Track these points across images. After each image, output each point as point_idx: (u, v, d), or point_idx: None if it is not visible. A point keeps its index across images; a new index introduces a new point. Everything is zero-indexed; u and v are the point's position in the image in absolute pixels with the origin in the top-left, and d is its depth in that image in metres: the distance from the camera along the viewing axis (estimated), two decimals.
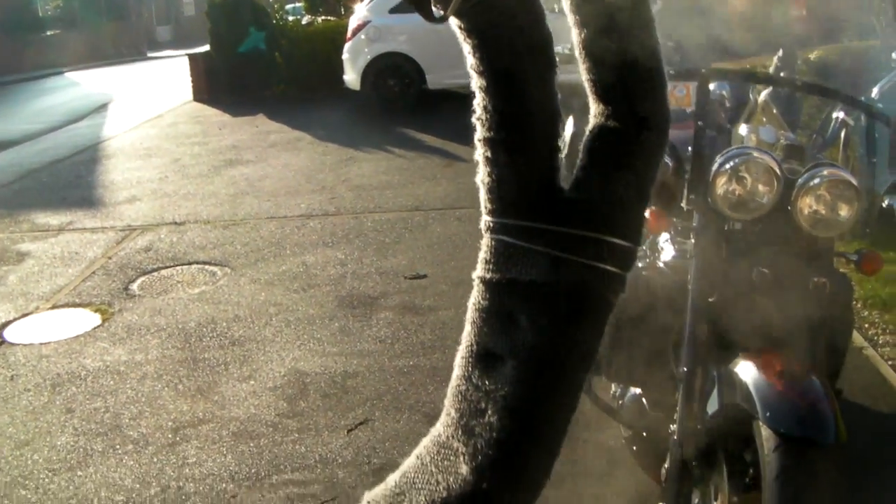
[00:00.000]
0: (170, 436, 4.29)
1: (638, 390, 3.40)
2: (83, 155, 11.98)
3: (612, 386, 3.68)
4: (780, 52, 3.71)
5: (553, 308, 1.42)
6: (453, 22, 1.24)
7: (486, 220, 1.51)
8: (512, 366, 1.44)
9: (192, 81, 16.80)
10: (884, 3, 3.41)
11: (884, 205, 2.82)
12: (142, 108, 16.67)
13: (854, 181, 2.72)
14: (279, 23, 17.02)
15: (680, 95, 3.46)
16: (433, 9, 1.11)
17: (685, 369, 2.78)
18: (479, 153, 1.45)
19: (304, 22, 18.15)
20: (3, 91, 24.37)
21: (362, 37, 13.21)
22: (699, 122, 2.92)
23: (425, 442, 1.65)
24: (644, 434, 3.34)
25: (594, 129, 1.42)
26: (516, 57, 1.36)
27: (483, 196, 1.49)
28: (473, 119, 1.40)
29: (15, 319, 5.96)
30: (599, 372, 3.48)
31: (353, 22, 13.68)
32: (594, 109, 1.43)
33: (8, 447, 4.26)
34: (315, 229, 7.58)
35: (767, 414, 2.42)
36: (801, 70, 3.69)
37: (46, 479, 3.98)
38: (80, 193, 9.61)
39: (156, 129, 13.59)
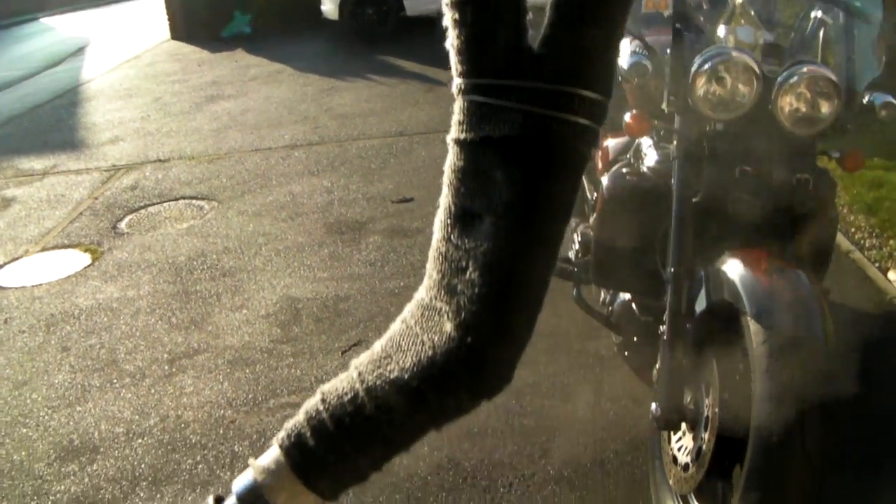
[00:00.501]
0: (166, 367, 4.32)
1: (627, 296, 3.42)
2: (63, 99, 11.87)
3: (602, 293, 3.71)
4: None
5: (527, 162, 1.44)
6: None
7: (457, 82, 1.52)
8: (490, 222, 1.46)
9: (169, 20, 16.57)
10: None
11: (864, 101, 2.80)
12: (119, 49, 16.47)
13: (834, 77, 2.72)
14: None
15: None
16: None
17: (672, 270, 2.80)
18: (448, 18, 1.46)
19: None
20: None
21: None
22: (677, 25, 2.91)
23: (409, 307, 1.67)
24: (635, 339, 3.37)
25: None
26: None
27: (453, 59, 1.50)
28: None
29: (5, 264, 5.96)
30: (588, 280, 3.51)
31: None
32: None
33: (6, 388, 4.29)
34: (300, 159, 7.55)
35: (755, 309, 2.44)
36: None
37: (46, 417, 4.01)
38: (62, 137, 9.54)
39: (135, 70, 13.45)
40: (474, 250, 1.48)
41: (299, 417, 1.72)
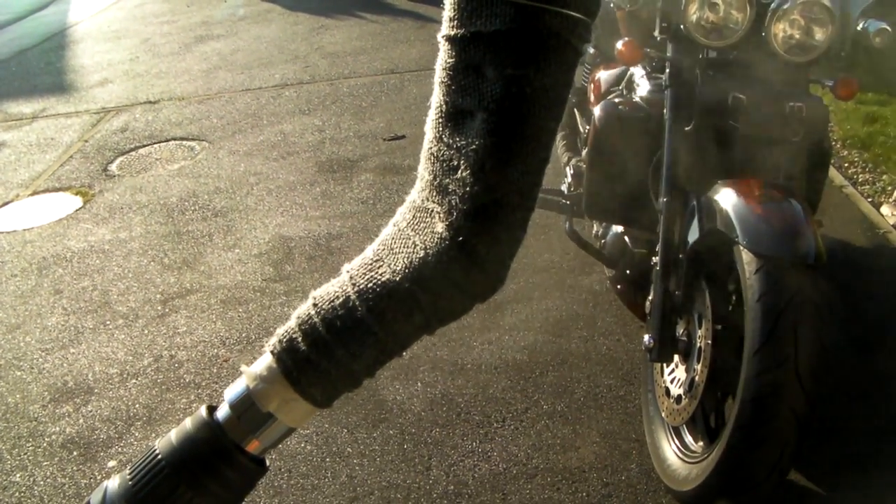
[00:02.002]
0: (159, 308, 4.31)
1: (619, 228, 3.41)
2: (51, 42, 11.74)
3: (594, 226, 3.70)
4: None
5: (518, 56, 1.41)
6: None
7: None
8: (481, 119, 1.44)
9: None
10: None
11: (858, 28, 2.76)
12: None
13: (827, 2, 2.68)
14: None
15: None
16: None
17: (664, 200, 2.79)
18: None
19: None
20: None
21: None
22: None
23: (401, 210, 1.65)
24: (627, 272, 3.36)
25: None
26: None
27: None
28: None
29: None
30: (580, 213, 3.49)
31: None
32: None
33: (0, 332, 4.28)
34: (291, 98, 7.49)
35: (747, 237, 2.43)
36: None
37: (40, 359, 4.01)
38: (51, 80, 9.45)
39: (123, 11, 13.30)
40: (465, 148, 1.46)
41: (291, 323, 1.71)
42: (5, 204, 5.97)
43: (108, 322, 4.24)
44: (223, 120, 7.08)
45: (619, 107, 3.19)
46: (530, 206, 1.57)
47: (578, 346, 3.64)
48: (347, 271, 1.70)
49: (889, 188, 4.76)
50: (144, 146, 6.71)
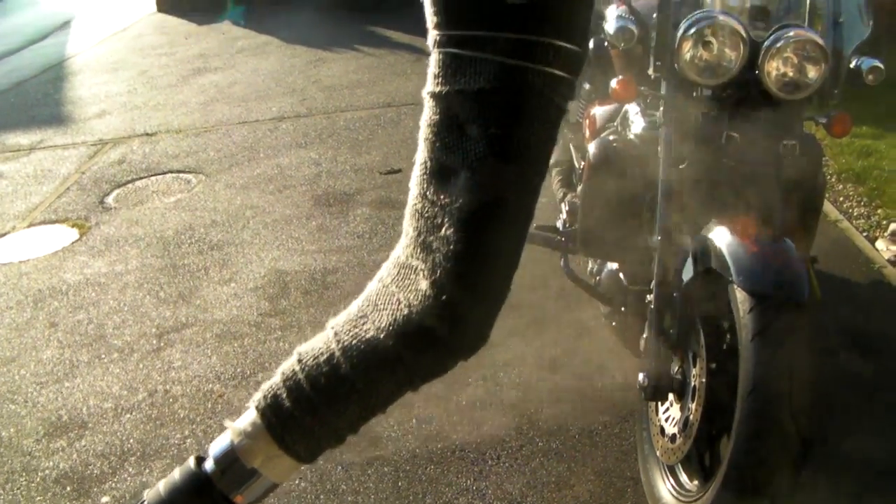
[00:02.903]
0: (154, 342, 4.30)
1: (614, 265, 3.42)
2: (49, 73, 11.78)
3: (589, 262, 3.71)
4: None
5: (502, 115, 1.42)
6: None
7: (432, 35, 1.49)
8: (465, 177, 1.44)
9: None
10: None
11: (851, 65, 2.78)
12: (105, 22, 16.34)
13: (821, 41, 2.70)
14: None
15: None
16: None
17: (659, 238, 2.79)
18: None
19: None
20: None
21: None
22: None
23: (386, 266, 1.66)
24: (622, 309, 3.36)
25: None
26: None
27: (428, 11, 1.48)
28: None
29: None
30: (576, 249, 3.50)
31: None
32: None
33: None
34: (288, 131, 7.51)
35: (741, 276, 2.43)
36: None
37: (35, 393, 4.00)
38: (49, 111, 9.47)
39: (121, 43, 13.36)
40: (450, 206, 1.46)
41: (275, 379, 1.71)
42: (1, 236, 5.98)
43: (103, 356, 4.23)
44: (220, 153, 7.10)
45: (614, 144, 3.21)
46: (514, 263, 1.57)
47: (573, 383, 3.64)
48: (332, 327, 1.71)
49: (884, 222, 4.77)
50: (141, 178, 6.73)
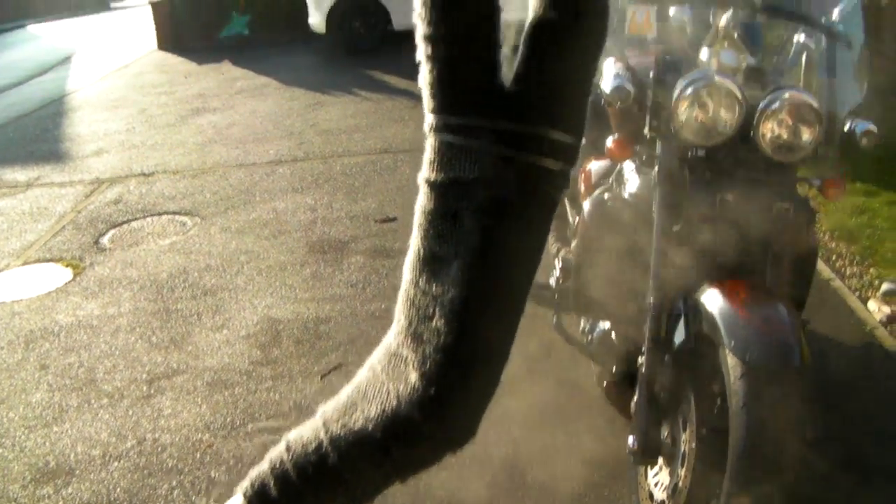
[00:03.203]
0: (144, 388, 4.28)
1: (607, 324, 3.41)
2: (49, 108, 11.84)
3: (582, 321, 3.69)
4: None
5: (496, 206, 1.41)
6: None
7: (429, 120, 1.49)
8: (457, 267, 1.44)
9: (157, 30, 16.58)
10: None
11: (845, 128, 2.79)
12: (107, 59, 16.45)
13: (815, 104, 2.71)
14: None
15: (640, 21, 3.42)
16: None
17: (651, 300, 2.79)
18: (421, 52, 1.43)
19: None
20: None
21: None
22: (660, 48, 2.90)
23: (378, 351, 1.65)
24: (614, 369, 3.35)
25: (533, 22, 1.40)
26: None
27: (425, 96, 1.47)
28: (413, 17, 1.38)
29: None
30: (568, 307, 3.49)
31: None
32: (533, 2, 1.41)
33: None
34: (284, 175, 7.53)
35: (733, 342, 2.43)
36: None
37: (23, 437, 3.97)
38: (47, 147, 9.51)
39: (122, 80, 13.43)
40: (441, 297, 1.46)
41: (263, 466, 1.70)
42: None
43: (92, 401, 4.21)
44: (216, 195, 7.11)
45: (609, 203, 3.21)
46: (504, 358, 1.57)
47: (563, 442, 3.61)
48: (322, 415, 1.69)
49: (876, 282, 4.76)
50: (137, 219, 6.73)
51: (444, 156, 1.44)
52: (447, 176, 1.44)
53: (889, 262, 4.98)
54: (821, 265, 4.91)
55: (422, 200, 1.51)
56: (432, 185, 1.47)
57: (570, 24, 1.36)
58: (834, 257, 5.15)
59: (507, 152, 1.39)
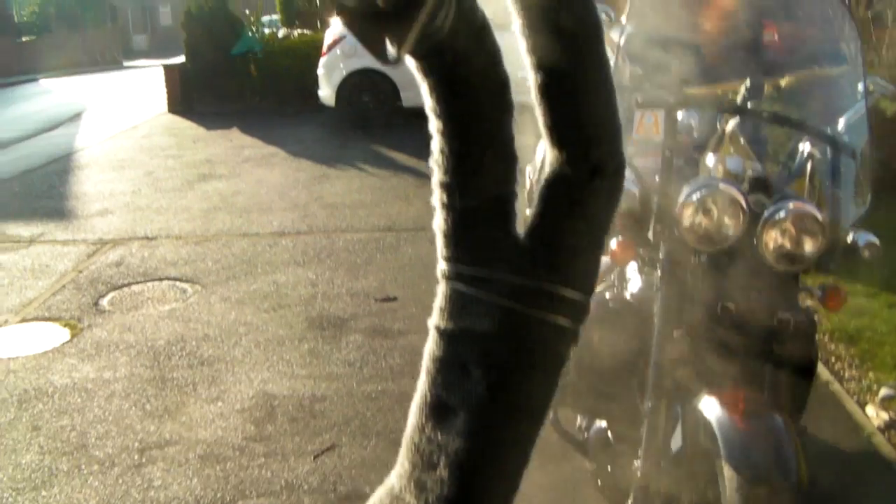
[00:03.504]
0: (136, 457, 4.26)
1: (604, 423, 3.40)
2: (56, 165, 11.92)
3: (578, 418, 3.69)
4: (748, 82, 3.73)
5: (505, 361, 1.42)
6: (409, 62, 1.23)
7: (441, 266, 1.51)
8: (463, 419, 1.44)
9: (168, 93, 16.76)
10: (853, 30, 3.43)
11: (849, 240, 2.82)
12: (116, 118, 16.61)
13: (819, 215, 2.73)
14: (255, 35, 16.98)
15: (648, 124, 3.47)
16: (388, 48, 1.11)
17: (649, 405, 2.80)
18: (436, 198, 1.44)
19: (279, 35, 18.10)
20: None
21: (338, 52, 13.16)
22: (666, 152, 2.94)
23: (380, 492, 1.65)
24: (609, 468, 3.34)
25: (548, 177, 1.42)
26: (473, 99, 1.35)
27: (439, 242, 1.49)
28: (430, 162, 1.40)
29: None
30: (565, 403, 3.49)
31: (329, 37, 13.65)
32: (549, 156, 1.43)
33: None
34: (287, 248, 7.57)
35: (730, 454, 2.44)
36: (770, 96, 3.69)
37: (10, 499, 3.95)
38: (52, 204, 9.56)
39: (130, 141, 13.53)
40: (446, 447, 1.46)
41: None
42: None
43: (83, 466, 4.19)
44: (218, 264, 7.14)
45: (611, 303, 3.23)
46: None
47: None
48: None
49: (875, 387, 4.76)
50: (138, 283, 6.75)
51: (455, 305, 1.45)
52: (457, 326, 1.45)
53: (888, 367, 4.97)
54: (819, 367, 4.90)
55: (431, 346, 1.52)
56: (442, 333, 1.48)
57: (586, 182, 1.38)
58: (833, 359, 5.15)
59: (519, 307, 1.41)
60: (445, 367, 1.48)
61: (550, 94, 1.38)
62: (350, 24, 1.07)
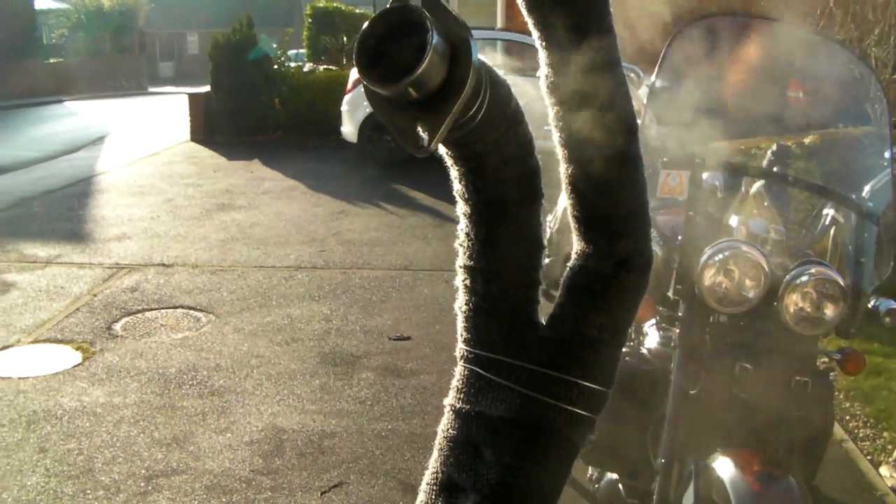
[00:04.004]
0: (142, 484, 4.25)
1: (615, 475, 3.39)
2: (77, 187, 11.99)
3: (589, 469, 3.68)
4: (774, 146, 3.74)
5: (519, 446, 1.41)
6: (440, 149, 1.23)
7: (460, 347, 1.50)
8: (474, 500, 1.43)
9: (191, 121, 16.88)
10: (879, 91, 3.44)
11: (870, 305, 2.82)
12: (139, 144, 16.72)
13: (841, 281, 2.73)
14: (281, 68, 17.11)
15: (673, 184, 3.47)
16: (420, 136, 1.10)
17: (662, 461, 2.79)
18: (459, 280, 1.44)
19: (305, 69, 18.23)
20: (1, 116, 24.43)
21: (362, 90, 13.18)
22: (690, 212, 2.94)
23: None
24: None
25: (573, 267, 1.41)
26: (502, 187, 1.35)
27: (460, 323, 1.48)
28: (456, 244, 1.40)
29: None
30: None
31: (354, 74, 13.74)
32: (576, 247, 1.43)
33: None
34: (302, 282, 7.58)
35: None
36: (795, 154, 3.70)
37: None
38: (70, 227, 9.61)
39: (151, 167, 13.61)
40: None
41: None
42: (5, 348, 5.99)
43: (88, 491, 4.18)
44: (233, 294, 7.15)
45: (627, 357, 3.22)
46: None
47: None
48: None
49: (889, 447, 4.73)
50: (152, 310, 6.77)
51: (472, 387, 1.45)
52: (473, 408, 1.44)
53: None
54: (834, 425, 4.89)
55: (445, 425, 1.51)
56: (457, 413, 1.48)
57: (611, 277, 1.37)
58: (847, 417, 5.12)
59: (536, 395, 1.40)
60: (459, 447, 1.47)
61: (582, 187, 1.37)
62: (382, 111, 1.07)
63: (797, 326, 2.77)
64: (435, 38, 0.94)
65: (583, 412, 1.43)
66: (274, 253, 8.48)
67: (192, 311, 6.77)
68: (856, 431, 4.97)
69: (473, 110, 1.13)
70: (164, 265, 8.03)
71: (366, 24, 0.99)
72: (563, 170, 1.36)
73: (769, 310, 2.80)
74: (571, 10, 1.17)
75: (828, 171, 3.79)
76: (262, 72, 16.42)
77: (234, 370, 5.63)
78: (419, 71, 0.94)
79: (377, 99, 1.06)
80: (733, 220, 3.17)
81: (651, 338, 3.27)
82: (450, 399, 1.49)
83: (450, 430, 1.48)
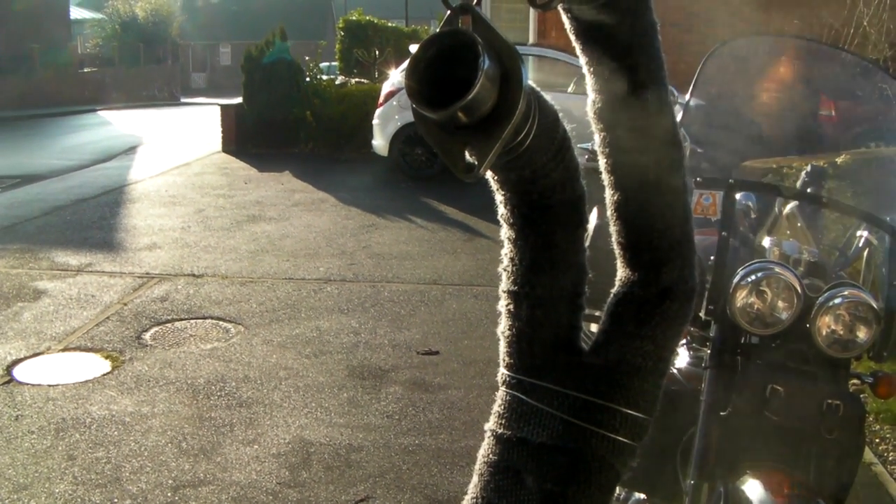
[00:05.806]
0: (169, 494, 4.27)
1: (642, 496, 3.37)
2: (109, 196, 12.08)
3: (617, 488, 3.65)
4: (809, 167, 3.73)
5: (561, 473, 1.40)
6: (488, 174, 1.23)
7: (502, 372, 1.49)
8: None
9: (223, 132, 16.98)
10: None
11: None
12: (171, 154, 16.84)
13: (874, 304, 2.72)
14: (313, 81, 17.18)
15: (706, 204, 3.47)
16: (469, 161, 1.10)
17: (692, 483, 2.77)
18: (503, 305, 1.43)
19: (337, 82, 18.31)
20: (35, 124, 24.71)
21: (394, 103, 13.31)
22: (723, 233, 2.93)
23: None
24: None
25: (618, 294, 1.40)
26: (547, 212, 1.34)
27: (502, 348, 1.47)
28: (500, 269, 1.39)
29: (25, 358, 5.98)
30: None
31: (386, 88, 13.82)
32: (620, 274, 1.42)
33: (6, 489, 4.25)
34: (332, 294, 7.60)
35: None
36: (828, 174, 3.68)
37: None
38: (101, 235, 9.68)
39: (182, 178, 13.70)
40: None
41: None
42: (35, 355, 6.03)
43: (115, 500, 4.20)
44: (262, 306, 7.18)
45: None
46: None
47: None
48: None
49: None
50: (181, 320, 6.81)
51: (514, 413, 1.44)
52: (514, 433, 1.43)
53: None
54: None
55: (485, 450, 1.50)
56: (498, 439, 1.47)
57: (656, 304, 1.36)
58: (877, 440, 5.07)
59: (578, 422, 1.39)
60: (499, 473, 1.46)
61: (627, 214, 1.37)
62: (431, 136, 1.07)
63: (829, 349, 2.75)
64: (486, 63, 0.94)
65: (625, 440, 1.41)
66: (303, 265, 8.50)
67: (221, 322, 6.80)
68: (885, 455, 4.93)
69: (522, 135, 1.13)
70: (194, 275, 8.07)
71: (417, 48, 0.99)
72: (608, 195, 1.35)
73: (801, 332, 2.78)
74: (626, 54, 1.17)
75: (860, 191, 3.77)
76: (295, 84, 16.50)
77: (262, 382, 5.64)
78: (470, 96, 0.94)
79: (426, 123, 1.05)
80: (766, 241, 3.15)
81: (682, 358, 3.25)
82: (491, 424, 1.48)
83: (490, 456, 1.47)
